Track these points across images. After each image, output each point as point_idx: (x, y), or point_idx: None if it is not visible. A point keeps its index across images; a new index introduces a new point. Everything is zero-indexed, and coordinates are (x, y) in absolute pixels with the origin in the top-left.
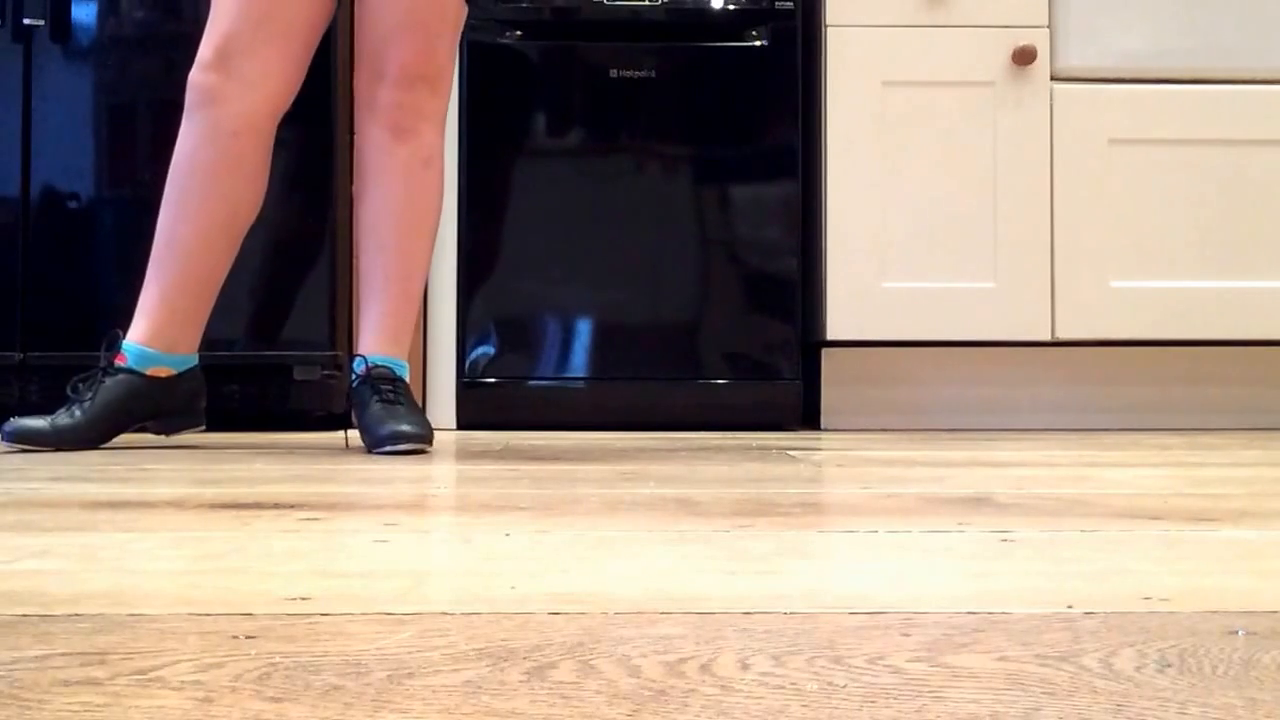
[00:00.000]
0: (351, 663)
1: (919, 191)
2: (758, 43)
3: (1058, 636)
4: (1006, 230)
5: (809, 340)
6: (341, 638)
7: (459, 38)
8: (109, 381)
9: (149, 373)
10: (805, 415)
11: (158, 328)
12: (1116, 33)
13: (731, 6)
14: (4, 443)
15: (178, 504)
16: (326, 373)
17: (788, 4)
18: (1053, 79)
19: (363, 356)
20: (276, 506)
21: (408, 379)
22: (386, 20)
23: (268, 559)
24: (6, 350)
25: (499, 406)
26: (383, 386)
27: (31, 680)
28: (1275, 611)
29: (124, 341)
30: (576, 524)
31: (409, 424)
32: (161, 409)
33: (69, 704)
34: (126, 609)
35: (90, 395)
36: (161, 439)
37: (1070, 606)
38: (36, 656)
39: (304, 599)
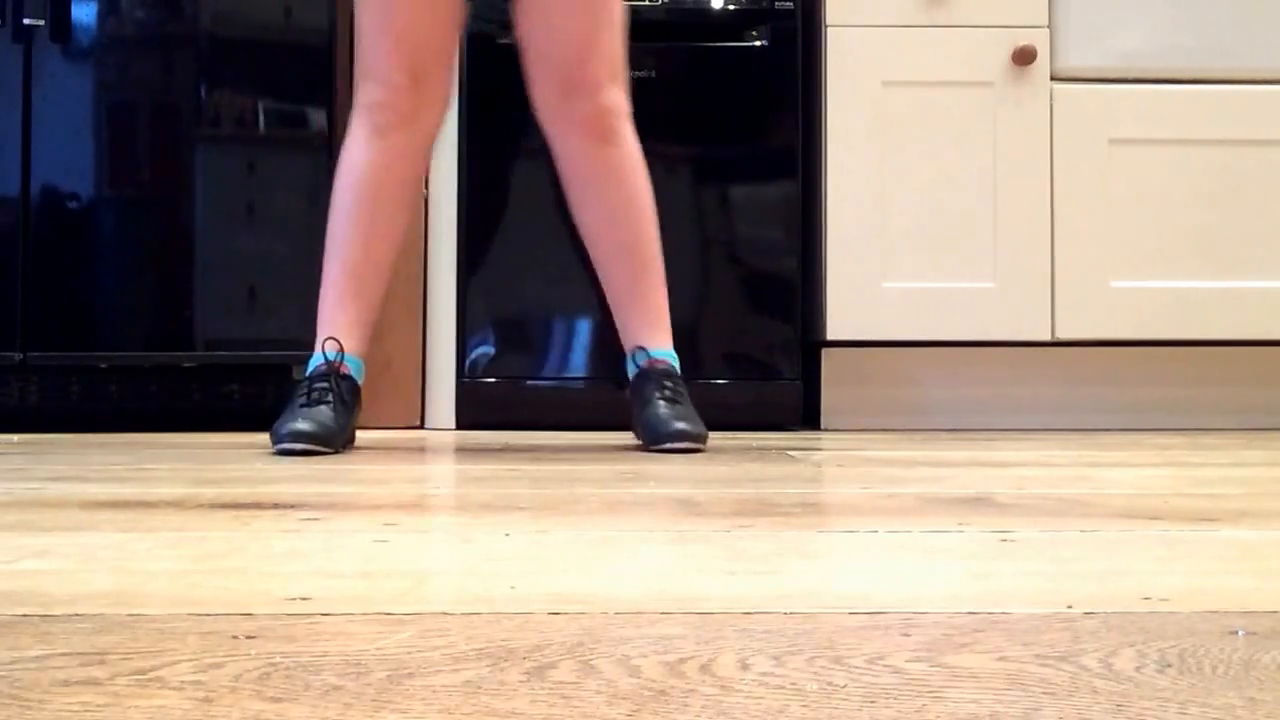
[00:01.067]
0: (351, 663)
1: (919, 191)
2: (758, 43)
3: (1058, 636)
4: (1006, 230)
5: (809, 340)
6: (341, 638)
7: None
8: (343, 388)
9: (360, 384)
10: (805, 415)
11: (360, 342)
12: (1116, 33)
13: (731, 6)
14: (286, 445)
15: (178, 504)
16: None
17: (788, 4)
18: (1053, 79)
19: (644, 349)
20: (276, 506)
21: (679, 370)
22: (572, 31)
23: (268, 559)
24: (6, 350)
25: (499, 406)
26: (666, 383)
27: (31, 680)
28: (1275, 611)
29: (341, 353)
30: (576, 524)
31: (690, 424)
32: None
33: (69, 704)
34: (126, 609)
35: (334, 400)
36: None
37: (1070, 606)
38: (36, 656)
39: (304, 599)
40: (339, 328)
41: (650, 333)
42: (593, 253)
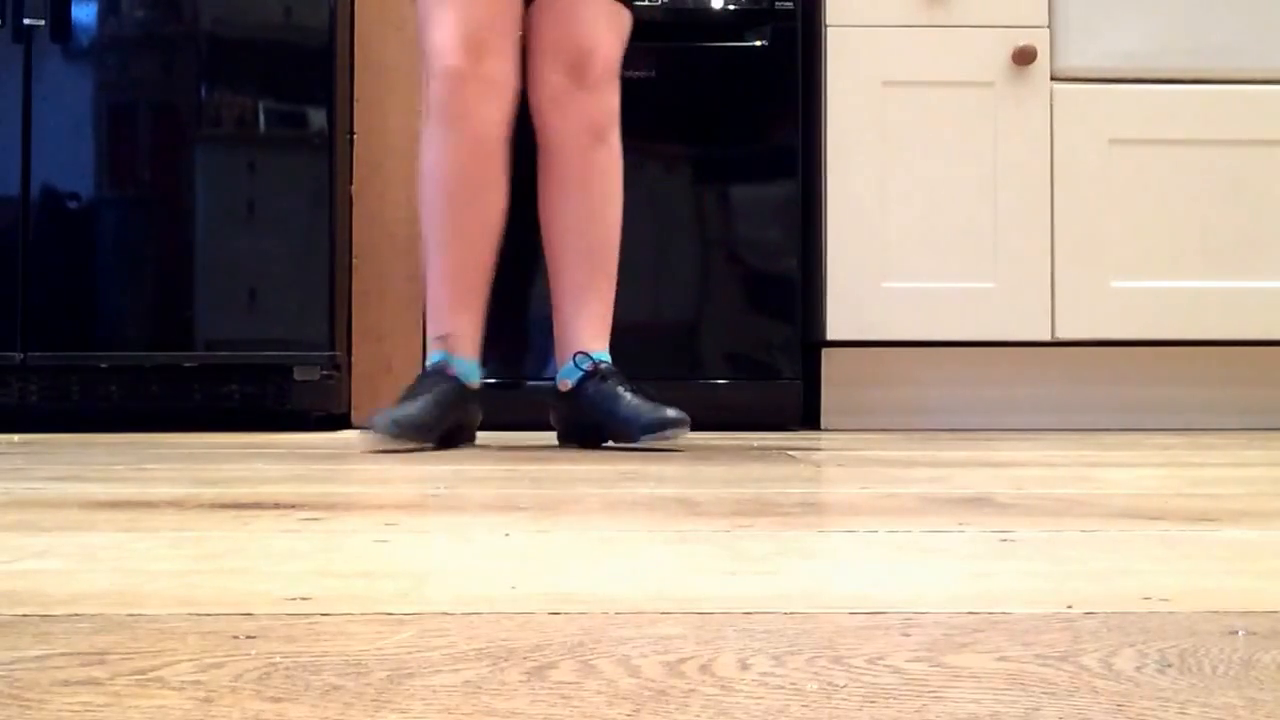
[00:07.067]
0: (351, 663)
1: (919, 192)
2: (758, 43)
3: (1058, 636)
4: (1006, 230)
5: (809, 340)
6: (341, 638)
7: None
8: (445, 388)
9: (471, 386)
10: (805, 415)
11: (469, 341)
12: (1116, 33)
13: (731, 6)
14: (379, 434)
15: (178, 504)
16: (326, 373)
17: (788, 4)
18: (1053, 79)
19: (586, 354)
20: (276, 506)
21: None
22: (589, 23)
23: (268, 559)
24: (6, 350)
25: (498, 406)
26: (624, 380)
27: (31, 680)
28: (1275, 611)
29: (447, 354)
30: (576, 524)
31: (673, 410)
32: (465, 421)
33: (69, 704)
34: (126, 609)
35: (430, 397)
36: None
37: (1070, 606)
38: (36, 656)
39: (304, 599)
40: (446, 329)
41: (592, 337)
42: (552, 249)
